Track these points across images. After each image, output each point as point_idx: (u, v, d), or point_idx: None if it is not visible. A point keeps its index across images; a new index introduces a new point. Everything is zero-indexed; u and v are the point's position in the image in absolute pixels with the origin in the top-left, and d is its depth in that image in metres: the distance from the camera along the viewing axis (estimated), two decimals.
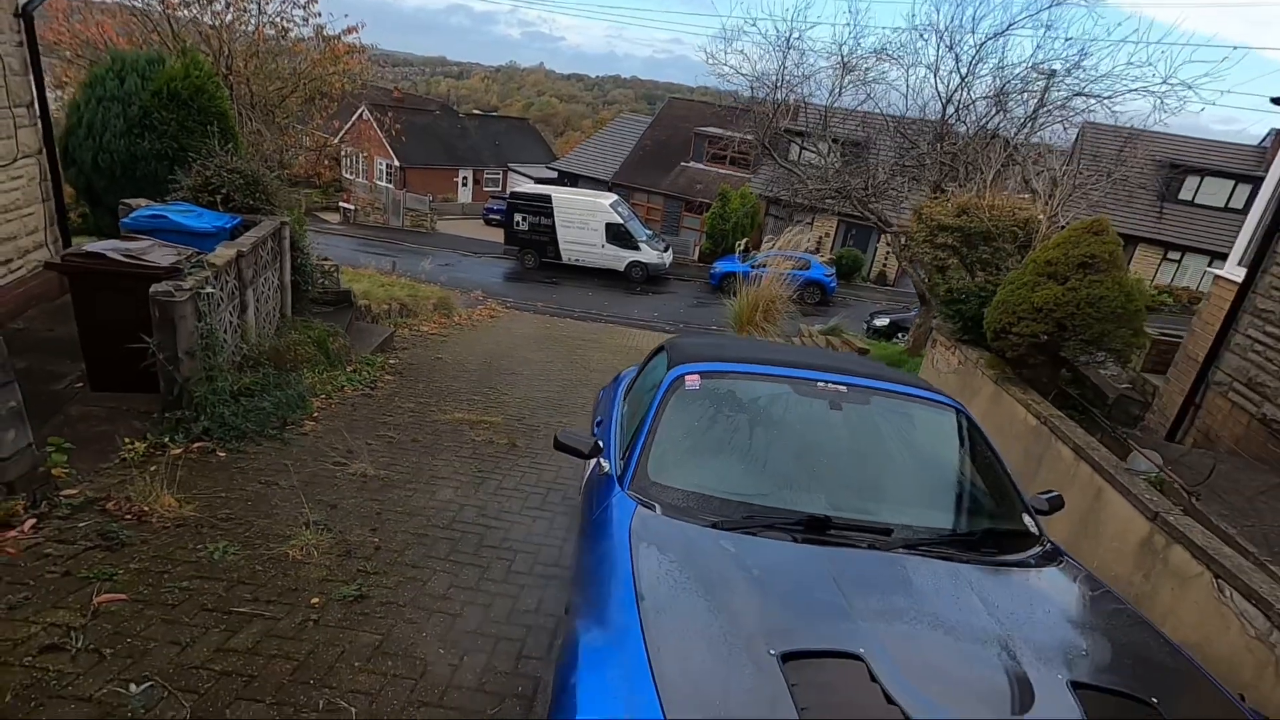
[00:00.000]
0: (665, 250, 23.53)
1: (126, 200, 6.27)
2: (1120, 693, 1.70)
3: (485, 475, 4.85)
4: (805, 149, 16.05)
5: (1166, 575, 3.43)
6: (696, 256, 26.88)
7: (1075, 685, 1.68)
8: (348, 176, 34.88)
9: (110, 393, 4.90)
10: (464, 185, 36.18)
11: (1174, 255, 24.09)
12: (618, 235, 22.62)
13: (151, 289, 4.46)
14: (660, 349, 3.52)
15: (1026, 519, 2.60)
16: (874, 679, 1.60)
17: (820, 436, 2.72)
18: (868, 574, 2.04)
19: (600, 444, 2.87)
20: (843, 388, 2.88)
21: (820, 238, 27.26)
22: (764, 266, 16.39)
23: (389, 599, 3.22)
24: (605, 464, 2.79)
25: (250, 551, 3.42)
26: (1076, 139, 23.31)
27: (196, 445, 4.51)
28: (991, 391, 5.21)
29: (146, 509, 3.61)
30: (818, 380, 2.89)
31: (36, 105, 6.33)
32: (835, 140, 14.19)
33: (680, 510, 2.30)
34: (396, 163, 32.87)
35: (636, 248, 22.69)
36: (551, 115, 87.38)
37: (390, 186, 31.61)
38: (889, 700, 1.54)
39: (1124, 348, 4.59)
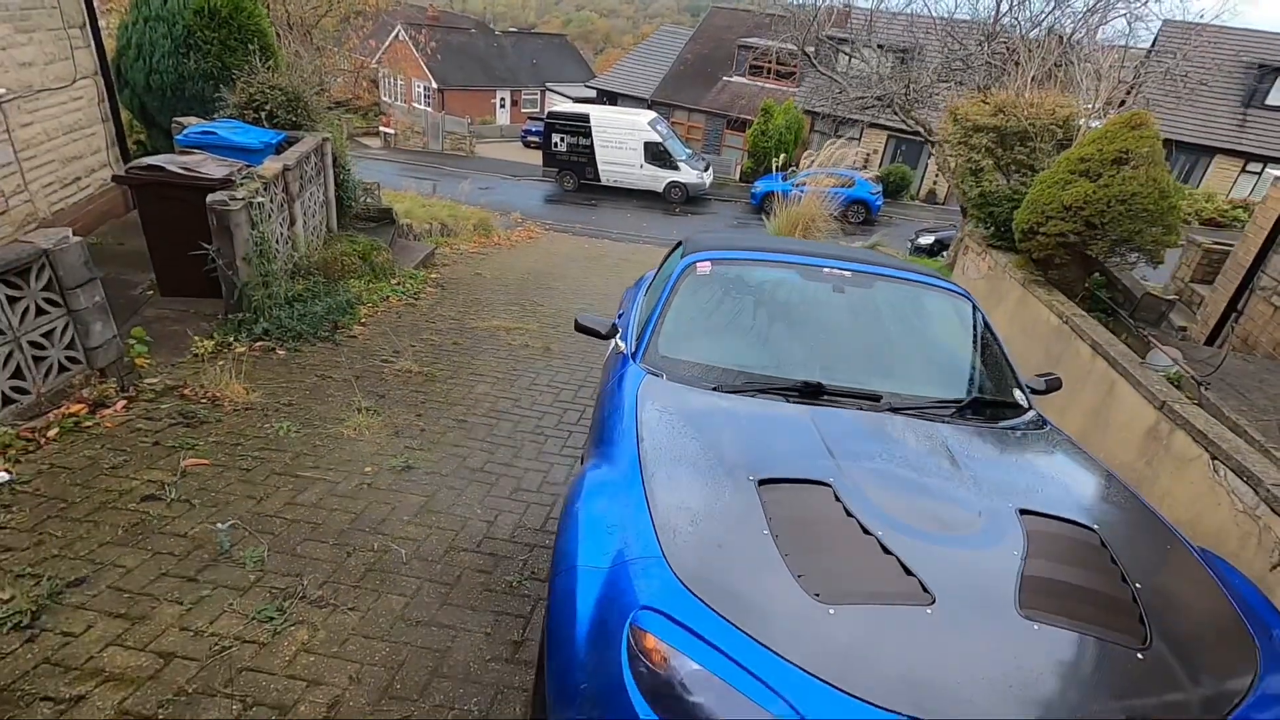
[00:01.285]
0: (705, 170, 23.04)
1: (179, 119, 6.57)
2: (1064, 519, 1.89)
3: (520, 373, 5.18)
4: (850, 56, 15.33)
5: (1168, 460, 3.54)
6: (738, 176, 26.26)
7: (1023, 512, 1.88)
8: (386, 100, 34.75)
9: (178, 298, 5.34)
10: (501, 107, 35.70)
11: (1254, 167, 22.41)
12: (656, 155, 22.21)
13: (208, 198, 4.79)
14: (678, 244, 3.68)
15: (1017, 393, 2.75)
16: (838, 499, 1.83)
17: (822, 316, 2.88)
18: (849, 428, 2.25)
19: (617, 327, 3.10)
20: (847, 273, 3.01)
21: (868, 154, 26.23)
22: (806, 185, 15.99)
23: (433, 470, 3.60)
24: (622, 344, 3.02)
25: (310, 430, 3.82)
26: (1154, 41, 21.55)
27: (258, 344, 4.92)
28: (1019, 295, 5.22)
29: (219, 394, 4.04)
30: (824, 266, 3.03)
31: (89, 27, 6.58)
32: (880, 46, 13.47)
33: (685, 378, 2.53)
34: (434, 84, 32.54)
35: (675, 167, 22.28)
36: (590, 31, 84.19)
37: (428, 109, 31.44)
38: (848, 514, 1.78)
39: (1154, 247, 4.53)
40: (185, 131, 6.06)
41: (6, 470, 3.05)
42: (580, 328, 3.03)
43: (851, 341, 2.81)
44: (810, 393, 2.46)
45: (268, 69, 7.03)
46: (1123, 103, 8.61)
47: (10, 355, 3.39)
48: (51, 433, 3.42)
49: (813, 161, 15.29)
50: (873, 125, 24.87)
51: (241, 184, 5.12)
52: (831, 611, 1.49)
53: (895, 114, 11.11)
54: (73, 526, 2.76)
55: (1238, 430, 3.64)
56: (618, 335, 3.06)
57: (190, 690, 2.10)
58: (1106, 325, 4.93)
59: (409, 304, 6.70)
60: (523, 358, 5.55)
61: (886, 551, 1.66)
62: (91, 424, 3.56)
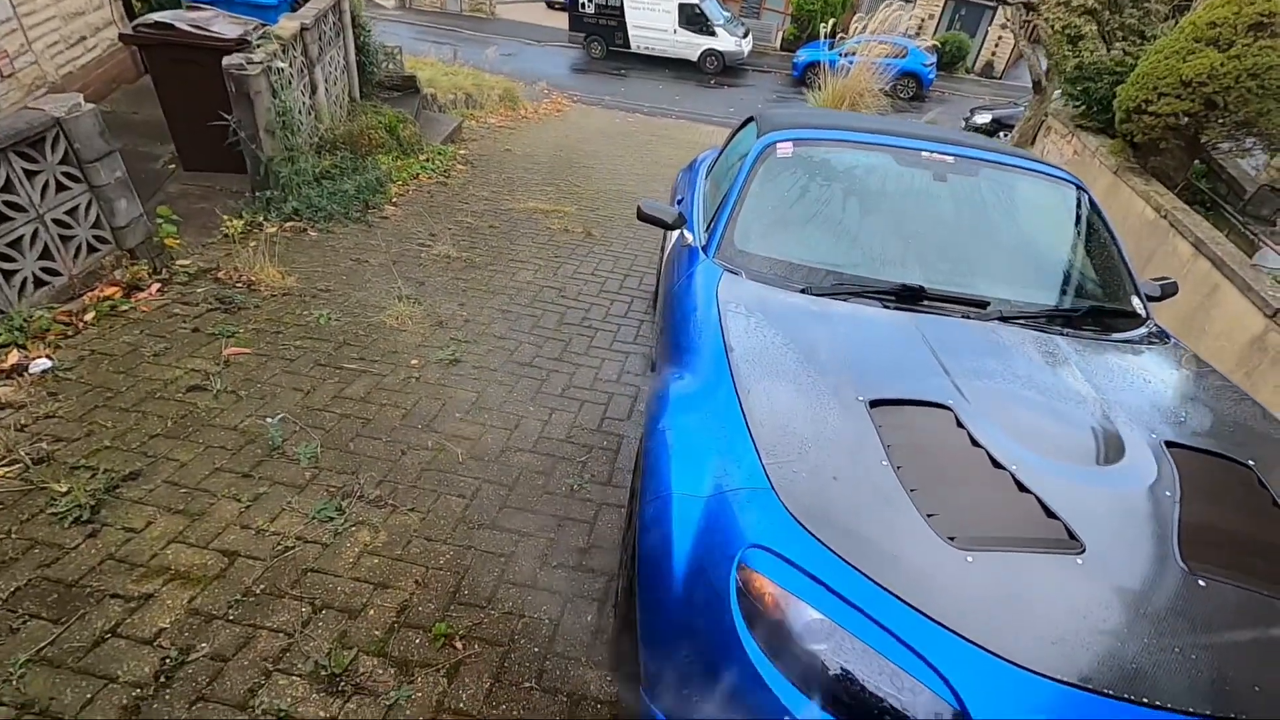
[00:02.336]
0: (744, 36, 21.25)
1: None
2: (1216, 454, 1.68)
3: (562, 260, 4.91)
4: None
5: (1274, 372, 3.27)
6: (778, 44, 24.25)
7: (1169, 445, 1.67)
8: None
9: (202, 172, 5.05)
10: None
11: None
12: (692, 18, 20.45)
13: (224, 62, 4.38)
14: (749, 120, 3.27)
15: (1135, 300, 2.45)
16: (960, 425, 1.63)
17: (921, 208, 2.56)
18: (960, 339, 2.00)
19: (683, 216, 2.80)
20: (949, 158, 2.64)
21: (923, 19, 23.97)
22: (854, 55, 14.68)
23: (481, 364, 3.45)
24: (689, 235, 2.73)
25: (351, 318, 3.66)
26: None
27: (289, 225, 4.68)
28: (1108, 183, 4.74)
29: (254, 278, 3.86)
30: (922, 150, 2.65)
31: None
32: None
33: (767, 278, 2.27)
34: None
35: (713, 33, 20.56)
36: None
37: None
38: (974, 443, 1.57)
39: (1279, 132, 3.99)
40: None
41: (48, 356, 2.95)
42: (644, 216, 2.73)
43: (953, 238, 2.50)
44: (909, 297, 2.19)
45: None
46: None
47: (36, 234, 3.20)
48: (88, 316, 3.29)
49: (864, 27, 13.95)
50: None
51: (258, 45, 4.67)
52: (970, 559, 1.32)
53: None
54: (121, 417, 2.68)
55: None
56: (684, 225, 2.76)
57: (258, 591, 2.06)
58: (1209, 221, 4.49)
59: (440, 183, 6.33)
60: (563, 243, 5.26)
61: (1023, 489, 1.47)
62: (127, 308, 3.42)
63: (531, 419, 3.08)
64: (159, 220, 3.93)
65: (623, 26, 20.95)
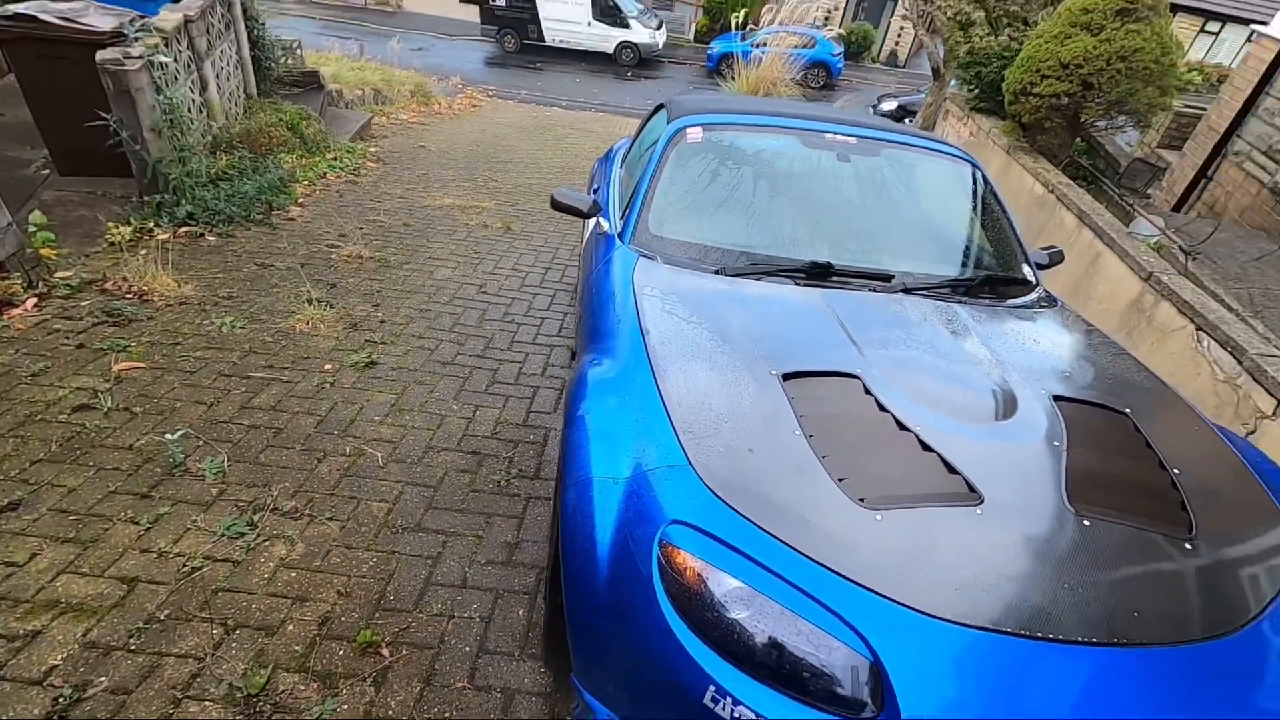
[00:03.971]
0: (659, 28, 21.37)
1: None
2: (1097, 404, 1.81)
3: (482, 256, 4.81)
4: None
5: (1149, 331, 3.55)
6: (692, 35, 24.51)
7: (1056, 398, 1.78)
8: None
9: (82, 177, 4.68)
10: None
11: (1213, 27, 22.02)
12: (605, 10, 20.40)
13: (98, 56, 4.06)
14: (660, 107, 3.29)
15: (1026, 269, 2.61)
16: (869, 392, 1.69)
17: (826, 188, 2.64)
18: (866, 312, 2.08)
19: (599, 205, 2.79)
20: (852, 139, 2.74)
21: (829, 10, 24.67)
22: (765, 45, 14.99)
23: (399, 365, 3.34)
24: (605, 223, 2.73)
25: (257, 325, 3.47)
26: None
27: (183, 229, 4.40)
28: (1002, 162, 5.01)
29: (146, 288, 3.61)
30: (826, 132, 2.74)
31: None
32: None
33: (681, 261, 2.29)
34: None
35: (627, 25, 20.57)
36: None
37: None
38: (881, 409, 1.64)
39: (1148, 110, 4.32)
40: None
41: None
42: (558, 205, 2.71)
43: (858, 216, 2.59)
44: (819, 274, 2.27)
45: None
46: None
47: None
48: None
49: (774, 18, 14.26)
50: None
51: (137, 38, 4.35)
52: (879, 518, 1.37)
53: None
54: None
55: (1216, 299, 3.65)
56: (599, 213, 2.75)
57: (162, 617, 1.93)
58: (1090, 194, 4.82)
59: (349, 181, 6.09)
60: (482, 239, 5.15)
61: (926, 448, 1.54)
62: (2, 326, 3.14)
63: (455, 417, 3.01)
64: (32, 229, 3.62)
65: (535, 19, 20.70)
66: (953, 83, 6.36)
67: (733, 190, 2.59)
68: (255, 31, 6.52)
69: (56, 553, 2.08)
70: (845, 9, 24.73)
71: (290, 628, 1.96)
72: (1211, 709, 1.20)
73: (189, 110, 4.85)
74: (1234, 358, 3.05)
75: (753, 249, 2.35)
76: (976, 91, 5.42)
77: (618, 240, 2.48)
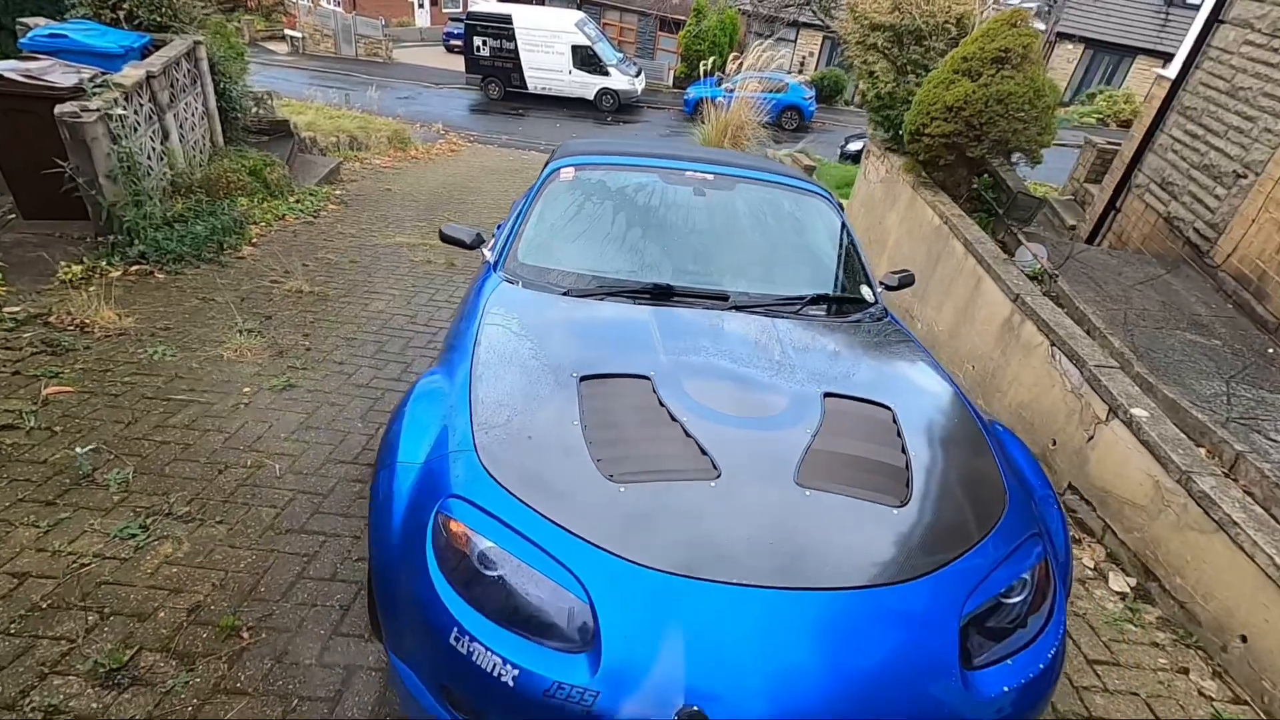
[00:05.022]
0: (637, 75, 22.20)
1: (23, 19, 5.91)
2: (865, 399, 2.06)
3: (419, 289, 5.11)
4: None
5: (1017, 348, 3.82)
6: (671, 82, 25.40)
7: (828, 395, 2.03)
8: (293, 0, 31.77)
9: (43, 220, 5.00)
10: (420, 7, 33.08)
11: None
12: (585, 60, 21.24)
13: (56, 110, 4.41)
14: (554, 152, 3.61)
15: (864, 289, 2.88)
16: (655, 391, 1.94)
17: (681, 220, 2.92)
18: (687, 325, 2.34)
19: (483, 238, 3.07)
20: (709, 176, 3.04)
21: (804, 58, 25.66)
22: (739, 90, 15.58)
23: (316, 388, 3.59)
24: (487, 254, 3.01)
25: (187, 353, 3.73)
26: None
27: (134, 268, 4.70)
28: (909, 197, 5.35)
29: (87, 321, 3.88)
30: (685, 169, 3.04)
31: None
32: None
33: (539, 285, 2.56)
34: None
35: (606, 73, 21.39)
36: None
37: (338, 9, 28.92)
38: (660, 404, 1.89)
39: (1031, 147, 4.67)
40: (31, 34, 5.48)
41: None
42: (444, 237, 3.01)
43: (708, 244, 2.88)
44: (660, 294, 2.53)
45: None
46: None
47: None
48: None
49: (740, 65, 14.89)
50: (808, 26, 24.20)
51: (95, 93, 4.72)
52: (622, 490, 1.61)
53: (814, 14, 10.78)
54: None
55: (1080, 319, 3.93)
56: (484, 245, 3.04)
57: (44, 606, 2.14)
58: (987, 225, 5.14)
59: (307, 222, 6.43)
60: (424, 274, 5.46)
61: (688, 436, 1.79)
62: None
63: (357, 434, 3.25)
64: None
65: (519, 68, 21.51)
66: (866, 124, 6.76)
67: (595, 223, 2.88)
68: (222, 85, 6.93)
69: None
70: (819, 55, 25.69)
71: (162, 614, 2.17)
72: (871, 641, 1.43)
73: (147, 158, 5.20)
74: (1078, 369, 3.31)
75: (603, 273, 2.63)
76: (889, 133, 5.79)
77: (491, 269, 2.75)
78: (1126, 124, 20.03)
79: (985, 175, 5.47)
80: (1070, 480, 3.31)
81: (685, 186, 3.00)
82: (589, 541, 1.49)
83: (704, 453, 1.74)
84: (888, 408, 2.04)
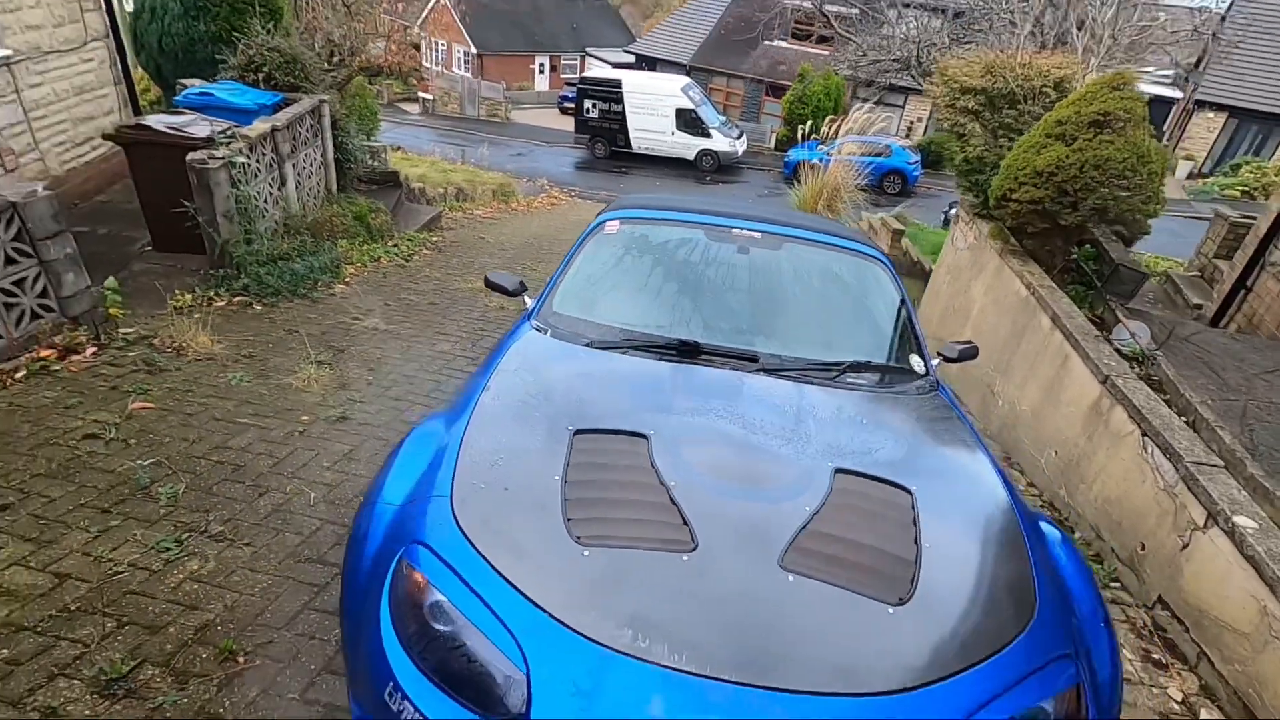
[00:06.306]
0: (738, 137, 22.60)
1: (183, 80, 6.79)
2: (882, 479, 1.86)
3: (486, 334, 5.27)
4: (899, 13, 14.59)
5: (1105, 436, 3.42)
6: (773, 144, 25.64)
7: (840, 471, 1.86)
8: (428, 66, 34.94)
9: (170, 253, 5.59)
10: (540, 73, 35.48)
11: None
12: (689, 122, 21.88)
13: (188, 157, 4.97)
14: (608, 205, 3.66)
15: (914, 359, 2.68)
16: (650, 452, 1.84)
17: (720, 277, 2.85)
18: (705, 385, 2.24)
19: (524, 284, 3.12)
20: (756, 234, 2.97)
21: (911, 122, 25.28)
22: (838, 154, 15.48)
23: (367, 421, 3.73)
24: (528, 301, 3.05)
25: (261, 380, 3.99)
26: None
27: (237, 299, 5.13)
28: (995, 265, 5.04)
29: (184, 345, 4.24)
30: (732, 226, 2.99)
31: None
32: (929, 7, 12.76)
33: (567, 335, 2.54)
34: (473, 49, 32.55)
35: (708, 135, 21.92)
36: None
37: (466, 75, 31.50)
38: (653, 465, 1.79)
39: (1132, 216, 4.30)
40: (184, 93, 6.27)
41: None
42: (489, 284, 3.08)
43: (745, 302, 2.78)
44: (686, 351, 2.45)
45: (268, 32, 7.17)
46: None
47: None
48: (19, 375, 3.67)
49: (836, 129, 14.81)
50: (915, 92, 23.87)
51: (223, 143, 5.29)
52: (586, 554, 1.52)
53: (914, 78, 10.62)
54: (11, 459, 2.98)
55: (1185, 408, 3.48)
56: (525, 293, 3.09)
57: (73, 608, 2.27)
58: (1084, 299, 4.73)
59: (399, 265, 6.84)
60: (494, 319, 5.64)
61: (673, 502, 1.68)
62: (59, 368, 3.79)
63: None
64: (106, 291, 4.38)
65: (624, 129, 22.43)
66: (955, 189, 6.46)
67: (632, 276, 2.86)
68: (340, 138, 7.61)
69: (17, 548, 2.50)
70: (929, 120, 25.21)
71: (172, 630, 2.25)
72: None
73: (263, 201, 5.74)
74: (1173, 465, 2.91)
75: (631, 327, 2.58)
76: (981, 198, 5.52)
77: (527, 317, 2.78)
78: None
79: (1087, 245, 5.07)
80: (1160, 593, 2.88)
81: (730, 243, 2.94)
82: (537, 605, 1.41)
83: (685, 522, 1.62)
84: (907, 490, 1.84)
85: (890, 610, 1.48)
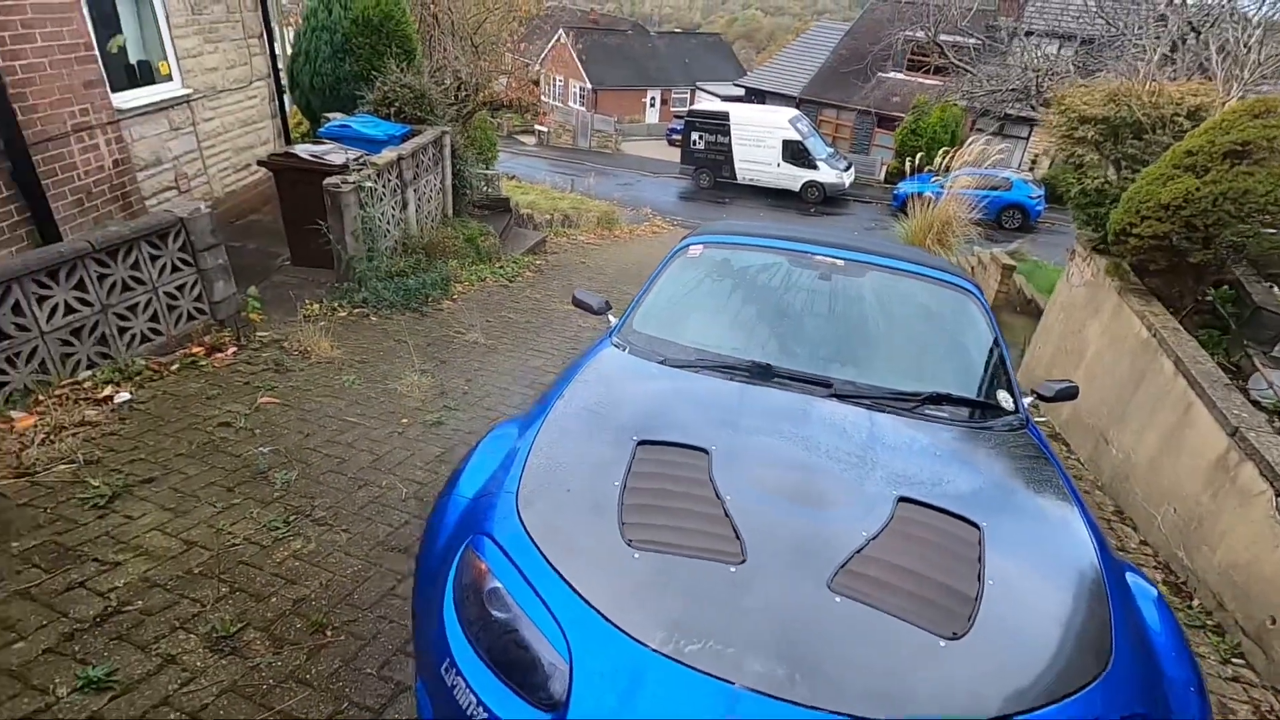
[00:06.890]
0: (846, 169, 22.24)
1: (327, 114, 7.57)
2: (949, 512, 1.79)
3: (575, 351, 5.46)
4: (1021, 42, 13.96)
5: (1232, 494, 3.10)
6: (883, 176, 25.01)
7: (903, 499, 1.81)
8: (546, 100, 36.84)
9: (305, 267, 6.21)
10: (651, 106, 36.54)
11: None
12: (795, 154, 21.78)
13: (324, 182, 5.54)
14: (694, 229, 3.75)
15: (1002, 395, 2.56)
16: (709, 465, 1.88)
17: (799, 303, 2.85)
18: (773, 407, 2.25)
19: (609, 304, 3.25)
20: (839, 261, 2.95)
21: (1036, 155, 23.93)
22: (952, 188, 14.92)
23: (460, 427, 3.97)
24: (612, 319, 3.17)
25: (370, 384, 4.35)
26: None
27: (356, 310, 5.62)
28: (1114, 304, 4.69)
29: (308, 349, 4.69)
30: (816, 253, 2.99)
31: (265, 37, 7.75)
32: (1061, 35, 12.12)
33: (644, 353, 2.62)
34: (589, 84, 34.04)
35: (814, 166, 21.71)
36: (755, 30, 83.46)
37: (581, 108, 32.95)
38: (710, 478, 1.83)
39: (1277, 255, 3.91)
40: (326, 125, 6.99)
41: (129, 391, 3.80)
42: (576, 302, 3.23)
43: (823, 329, 2.77)
44: (759, 373, 2.47)
45: (402, 70, 7.87)
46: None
47: (149, 302, 4.19)
48: (174, 367, 4.19)
49: (950, 160, 14.27)
50: (1041, 125, 22.60)
51: (355, 170, 5.85)
52: (636, 556, 1.58)
53: (1032, 108, 10.10)
54: (161, 439, 3.41)
55: None
56: (609, 312, 3.21)
57: (196, 572, 2.57)
58: (1218, 344, 4.31)
59: (503, 285, 7.24)
60: (586, 338, 5.83)
61: (726, 515, 1.71)
62: (205, 364, 4.30)
63: None
64: (249, 299, 4.93)
65: (729, 160, 22.63)
66: (1071, 222, 6.06)
67: (712, 299, 2.92)
68: (459, 167, 8.19)
69: (158, 515, 2.85)
70: (1054, 153, 23.75)
71: (274, 600, 2.49)
72: None
73: (386, 222, 6.27)
74: None
75: (705, 347, 2.63)
76: (1099, 233, 5.19)
77: (610, 335, 2.90)
78: None
79: (1225, 286, 4.63)
80: None
81: (812, 270, 2.94)
82: (585, 600, 1.48)
83: (736, 536, 1.64)
84: (976, 525, 1.77)
85: (942, 644, 1.43)
